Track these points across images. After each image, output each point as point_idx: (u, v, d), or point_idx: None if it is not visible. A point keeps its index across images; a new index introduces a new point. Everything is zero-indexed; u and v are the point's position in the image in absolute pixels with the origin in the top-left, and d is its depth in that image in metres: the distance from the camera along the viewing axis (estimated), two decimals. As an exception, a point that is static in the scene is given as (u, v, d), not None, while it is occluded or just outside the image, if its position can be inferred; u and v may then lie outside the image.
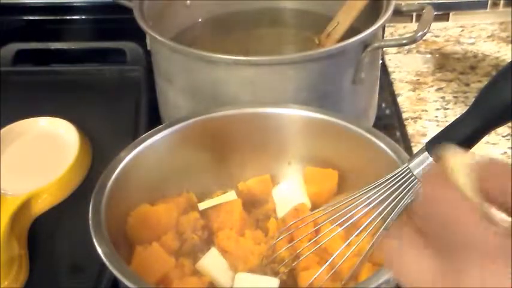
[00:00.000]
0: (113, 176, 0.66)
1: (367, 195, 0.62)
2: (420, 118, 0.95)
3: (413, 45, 1.12)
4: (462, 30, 1.18)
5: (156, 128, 0.72)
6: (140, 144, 0.70)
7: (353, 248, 0.62)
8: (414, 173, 0.60)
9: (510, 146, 0.89)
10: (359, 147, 0.71)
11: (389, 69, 1.08)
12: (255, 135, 0.75)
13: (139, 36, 0.89)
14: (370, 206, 0.62)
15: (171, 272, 0.64)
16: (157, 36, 0.81)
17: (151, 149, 0.71)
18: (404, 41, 0.83)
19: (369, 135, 0.70)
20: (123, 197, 0.66)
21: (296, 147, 0.76)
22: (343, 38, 0.88)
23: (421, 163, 0.60)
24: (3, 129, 0.88)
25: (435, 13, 0.84)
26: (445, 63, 1.08)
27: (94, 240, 0.59)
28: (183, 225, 0.70)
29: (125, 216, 0.67)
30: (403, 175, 0.61)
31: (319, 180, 0.74)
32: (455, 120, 0.59)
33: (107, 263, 0.57)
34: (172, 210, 0.71)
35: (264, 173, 0.76)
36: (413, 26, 1.19)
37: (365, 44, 0.80)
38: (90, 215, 0.61)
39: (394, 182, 0.61)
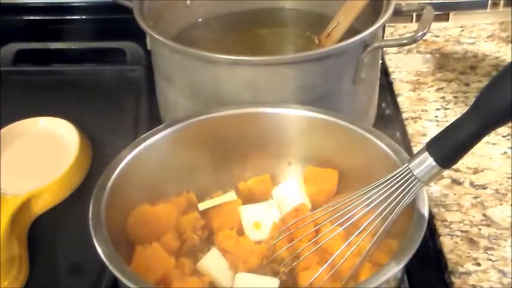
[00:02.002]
0: (113, 176, 0.66)
1: (367, 195, 0.62)
2: (420, 118, 0.95)
3: (413, 45, 1.12)
4: (462, 30, 1.18)
5: (156, 128, 0.72)
6: (140, 144, 0.70)
7: (353, 248, 0.62)
8: (414, 173, 0.60)
9: (510, 146, 0.89)
10: (359, 147, 0.71)
11: (390, 69, 1.08)
12: (255, 135, 0.75)
13: (139, 36, 0.89)
14: (370, 206, 0.62)
15: (171, 272, 0.64)
16: (157, 36, 0.81)
17: (151, 149, 0.71)
18: (404, 41, 0.83)
19: (369, 135, 0.70)
20: (123, 197, 0.66)
21: (296, 147, 0.76)
22: (343, 38, 0.88)
23: (421, 163, 0.60)
24: (3, 129, 0.88)
25: (435, 13, 0.84)
26: (445, 63, 1.08)
27: (94, 240, 0.59)
28: (183, 225, 0.70)
29: (125, 216, 0.67)
30: (403, 175, 0.61)
31: (319, 180, 0.74)
32: (456, 120, 0.59)
33: (107, 263, 0.57)
34: (172, 210, 0.71)
35: (264, 173, 0.76)
36: (413, 26, 1.19)
37: (365, 44, 0.80)
38: (90, 215, 0.61)
39: (394, 182, 0.61)
